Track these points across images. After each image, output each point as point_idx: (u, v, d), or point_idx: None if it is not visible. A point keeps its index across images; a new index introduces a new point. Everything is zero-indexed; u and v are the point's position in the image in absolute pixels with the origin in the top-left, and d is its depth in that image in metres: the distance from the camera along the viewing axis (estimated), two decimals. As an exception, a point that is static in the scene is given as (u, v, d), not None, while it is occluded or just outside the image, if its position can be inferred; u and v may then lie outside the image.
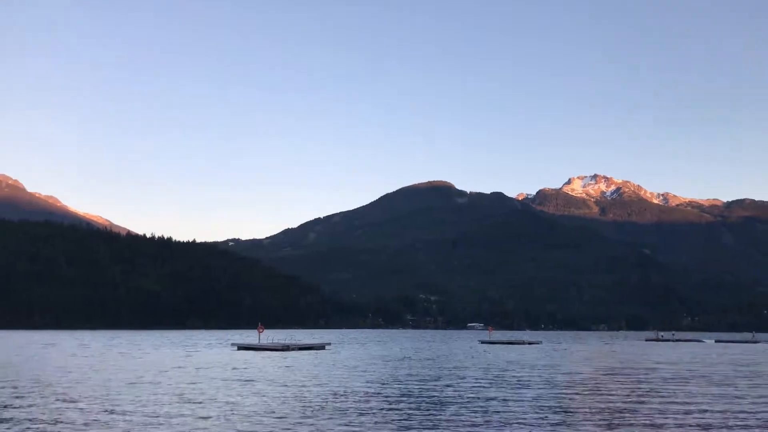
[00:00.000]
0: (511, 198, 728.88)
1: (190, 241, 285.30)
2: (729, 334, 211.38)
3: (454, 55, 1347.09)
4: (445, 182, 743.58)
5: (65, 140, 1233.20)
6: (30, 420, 20.81)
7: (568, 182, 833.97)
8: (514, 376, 39.56)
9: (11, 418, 21.04)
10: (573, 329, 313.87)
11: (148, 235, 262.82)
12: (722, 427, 20.82)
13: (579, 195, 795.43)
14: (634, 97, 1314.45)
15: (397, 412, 23.44)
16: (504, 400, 27.34)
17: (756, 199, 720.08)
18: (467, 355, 68.01)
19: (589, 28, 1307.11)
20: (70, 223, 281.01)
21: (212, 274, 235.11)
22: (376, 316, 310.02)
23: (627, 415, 23.24)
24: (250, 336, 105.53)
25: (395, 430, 19.73)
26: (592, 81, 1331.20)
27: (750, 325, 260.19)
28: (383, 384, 33.87)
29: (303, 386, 32.21)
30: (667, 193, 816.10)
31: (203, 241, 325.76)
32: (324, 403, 25.57)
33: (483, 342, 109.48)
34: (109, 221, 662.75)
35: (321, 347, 77.49)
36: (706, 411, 24.42)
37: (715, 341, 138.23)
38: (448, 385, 33.48)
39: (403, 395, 28.78)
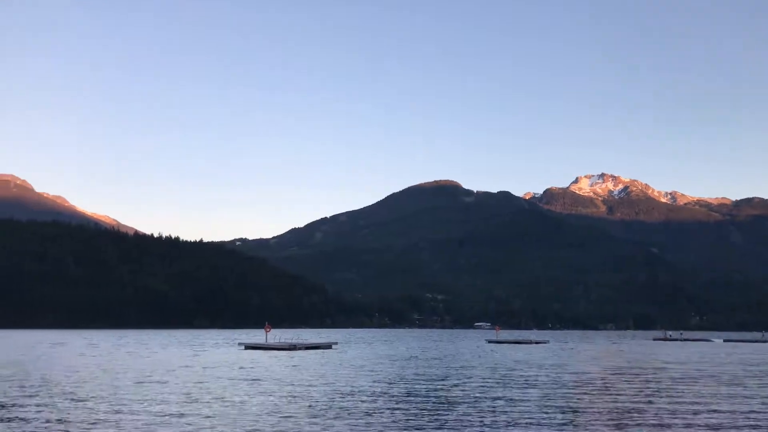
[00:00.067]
0: (518, 197, 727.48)
1: (198, 240, 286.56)
2: (738, 334, 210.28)
3: (461, 54, 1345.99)
4: (452, 181, 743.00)
5: (71, 140, 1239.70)
6: (38, 419, 20.87)
7: (576, 181, 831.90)
8: (521, 376, 39.43)
9: (20, 417, 21.11)
10: (580, 328, 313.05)
11: (156, 235, 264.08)
12: (731, 428, 20.67)
13: (586, 194, 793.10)
14: (641, 96, 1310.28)
15: (404, 411, 23.38)
16: (511, 399, 27.24)
17: (765, 197, 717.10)
18: (474, 354, 67.89)
19: (595, 27, 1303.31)
20: (77, 223, 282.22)
21: (219, 273, 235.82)
22: (383, 315, 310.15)
23: (635, 415, 23.10)
24: (257, 335, 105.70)
25: (403, 430, 19.67)
26: (600, 80, 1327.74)
27: (759, 324, 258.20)
28: (390, 383, 33.83)
29: (310, 385, 32.20)
30: (674, 191, 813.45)
31: (210, 240, 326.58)
32: (331, 403, 25.54)
33: (490, 341, 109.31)
34: (116, 221, 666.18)
35: (328, 346, 77.53)
36: (715, 411, 24.26)
37: (724, 341, 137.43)
38: (455, 385, 33.41)
39: (410, 395, 28.72)
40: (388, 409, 24.02)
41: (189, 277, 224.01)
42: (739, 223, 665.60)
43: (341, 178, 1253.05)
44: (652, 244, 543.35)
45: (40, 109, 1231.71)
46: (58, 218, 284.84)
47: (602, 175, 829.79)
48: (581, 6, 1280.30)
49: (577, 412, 23.82)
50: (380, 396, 28.07)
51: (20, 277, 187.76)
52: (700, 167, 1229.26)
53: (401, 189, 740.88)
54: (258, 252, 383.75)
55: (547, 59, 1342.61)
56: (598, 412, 23.65)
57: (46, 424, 19.96)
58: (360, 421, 21.16)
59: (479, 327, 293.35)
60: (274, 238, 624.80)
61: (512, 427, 20.24)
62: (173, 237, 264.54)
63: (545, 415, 22.66)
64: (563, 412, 23.50)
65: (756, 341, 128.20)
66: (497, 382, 34.93)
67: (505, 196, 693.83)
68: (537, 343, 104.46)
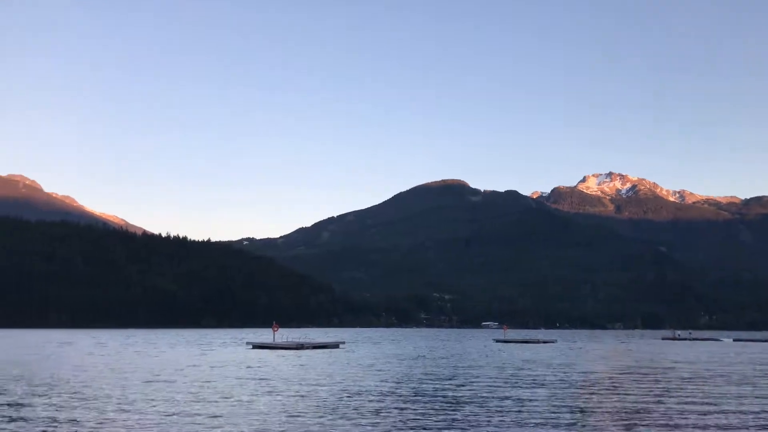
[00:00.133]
0: (526, 196, 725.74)
1: (205, 240, 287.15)
2: (748, 333, 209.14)
3: (468, 53, 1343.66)
4: (459, 181, 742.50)
5: (80, 141, 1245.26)
6: (46, 418, 20.94)
7: (583, 180, 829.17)
8: (529, 375, 39.31)
9: (28, 417, 21.18)
10: (588, 328, 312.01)
11: (164, 235, 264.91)
12: (742, 428, 20.50)
13: (594, 193, 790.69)
14: (649, 95, 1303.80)
15: (412, 411, 23.32)
16: (519, 399, 27.14)
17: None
18: (482, 353, 67.77)
19: (604, 26, 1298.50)
20: (86, 223, 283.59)
21: (227, 273, 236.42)
22: (390, 314, 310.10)
23: (644, 415, 22.96)
24: (264, 335, 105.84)
25: (411, 430, 19.61)
26: (608, 78, 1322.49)
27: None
28: (398, 383, 33.78)
29: (317, 385, 32.19)
30: (683, 190, 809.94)
31: (218, 240, 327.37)
32: (339, 402, 25.51)
33: (498, 341, 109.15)
34: (125, 221, 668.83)
35: (335, 346, 77.55)
36: (725, 411, 24.08)
37: (734, 340, 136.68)
38: (463, 384, 33.32)
39: (418, 394, 28.67)
40: (396, 408, 23.97)
41: (197, 276, 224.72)
42: (749, 221, 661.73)
43: (348, 177, 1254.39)
44: (661, 243, 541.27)
45: (42, 109, 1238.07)
46: (66, 218, 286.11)
47: (610, 174, 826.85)
48: (589, 5, 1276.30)
49: (585, 411, 23.69)
50: (388, 395, 28.02)
51: (29, 277, 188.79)
52: (708, 166, 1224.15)
53: (408, 188, 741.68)
54: (265, 251, 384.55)
55: (554, 58, 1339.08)
56: (607, 412, 23.52)
57: (55, 424, 20.01)
58: (368, 420, 21.11)
59: (487, 326, 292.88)
60: (281, 237, 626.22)
61: (520, 427, 20.14)
62: (181, 237, 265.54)
63: (554, 415, 22.54)
64: (572, 412, 23.38)
65: (766, 341, 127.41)
66: (505, 382, 34.83)
67: (512, 195, 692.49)
68: (545, 342, 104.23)
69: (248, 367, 44.80)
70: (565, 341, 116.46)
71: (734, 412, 23.73)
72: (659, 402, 26.65)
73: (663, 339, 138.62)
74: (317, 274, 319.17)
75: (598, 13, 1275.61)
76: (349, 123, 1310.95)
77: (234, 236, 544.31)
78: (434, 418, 21.61)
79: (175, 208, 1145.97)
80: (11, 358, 50.59)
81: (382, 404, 25.04)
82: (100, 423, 20.17)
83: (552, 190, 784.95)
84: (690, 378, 39.01)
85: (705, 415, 23.04)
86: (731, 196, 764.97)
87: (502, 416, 22.17)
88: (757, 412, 23.79)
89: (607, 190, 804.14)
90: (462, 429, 19.80)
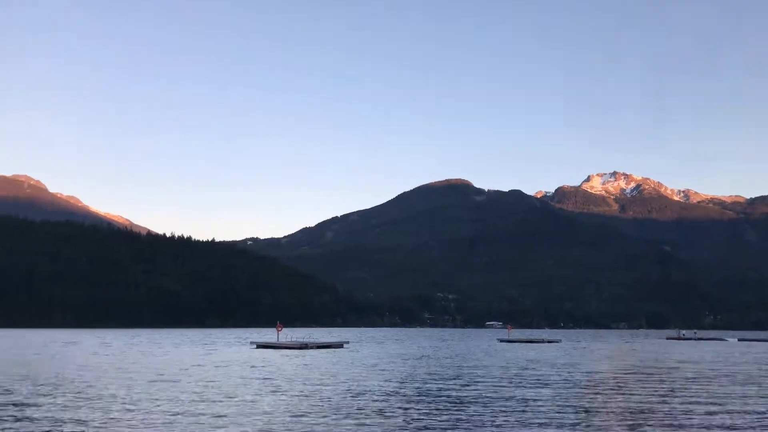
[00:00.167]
0: (530, 196, 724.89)
1: (210, 240, 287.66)
2: (753, 333, 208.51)
3: (472, 53, 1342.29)
4: (463, 180, 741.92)
5: (84, 141, 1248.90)
6: (51, 418, 20.98)
7: (588, 179, 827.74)
8: (533, 375, 39.25)
9: (33, 416, 21.24)
10: (592, 327, 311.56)
11: (168, 235, 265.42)
12: (747, 428, 20.43)
13: (598, 192, 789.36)
14: (653, 94, 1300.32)
15: (416, 411, 23.31)
16: (523, 399, 27.10)
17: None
18: (486, 353, 67.70)
19: (609, 25, 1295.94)
20: (91, 223, 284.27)
21: (231, 273, 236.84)
22: (394, 314, 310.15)
23: (649, 415, 22.90)
24: (268, 334, 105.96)
25: (415, 429, 19.60)
26: (612, 78, 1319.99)
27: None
28: (402, 382, 33.77)
29: (321, 384, 32.20)
30: (688, 189, 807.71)
31: (222, 240, 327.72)
32: (343, 402, 25.52)
33: (502, 340, 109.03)
34: (129, 221, 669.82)
35: (339, 345, 77.57)
36: (730, 411, 24.00)
37: (739, 340, 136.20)
38: (467, 384, 33.29)
39: (422, 394, 28.65)
40: (400, 408, 23.96)
41: (201, 276, 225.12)
42: (754, 221, 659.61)
43: (351, 177, 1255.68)
44: (665, 242, 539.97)
45: (45, 109, 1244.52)
46: (71, 218, 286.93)
47: (614, 174, 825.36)
48: (590, 4, 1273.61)
49: (590, 411, 23.65)
50: (392, 395, 28.01)
51: (34, 277, 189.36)
52: (713, 165, 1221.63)
53: (412, 188, 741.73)
54: (269, 251, 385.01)
55: (559, 57, 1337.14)
56: (612, 412, 23.47)
57: (60, 423, 20.06)
58: (372, 420, 21.11)
59: (491, 326, 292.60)
60: (285, 237, 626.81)
61: (525, 427, 20.11)
62: (185, 237, 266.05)
63: (558, 415, 22.50)
64: (576, 412, 23.34)
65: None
66: (509, 382, 34.78)
67: (516, 194, 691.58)
68: (549, 342, 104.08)
69: (252, 366, 44.84)
70: (569, 341, 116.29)
71: (739, 412, 23.65)
72: (664, 402, 26.58)
73: (668, 339, 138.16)
74: (321, 273, 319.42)
75: (604, 12, 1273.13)
76: (353, 123, 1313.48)
77: (238, 236, 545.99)
78: (438, 418, 21.60)
79: (179, 208, 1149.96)
80: (16, 358, 50.74)
81: (386, 404, 25.03)
82: (105, 422, 20.21)
83: (556, 190, 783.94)
84: (695, 378, 38.90)
85: (710, 415, 22.97)
86: (736, 196, 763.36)
87: (507, 416, 22.14)
88: (763, 412, 23.71)
89: (611, 189, 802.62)
90: (466, 429, 19.78)
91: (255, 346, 74.54)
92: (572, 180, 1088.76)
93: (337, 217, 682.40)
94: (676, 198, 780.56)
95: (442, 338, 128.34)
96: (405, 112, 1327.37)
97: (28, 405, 23.87)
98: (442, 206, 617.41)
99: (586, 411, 23.68)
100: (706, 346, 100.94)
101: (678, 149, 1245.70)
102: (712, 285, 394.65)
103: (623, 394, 29.64)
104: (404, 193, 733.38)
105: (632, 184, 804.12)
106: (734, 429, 20.24)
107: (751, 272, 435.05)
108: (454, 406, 24.53)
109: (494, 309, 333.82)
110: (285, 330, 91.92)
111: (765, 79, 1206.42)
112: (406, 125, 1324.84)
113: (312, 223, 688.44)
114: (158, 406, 23.85)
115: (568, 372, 42.38)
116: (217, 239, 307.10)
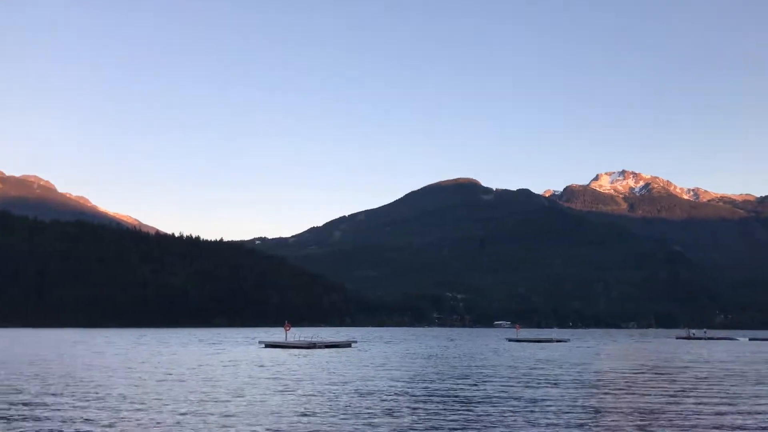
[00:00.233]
0: (538, 195, 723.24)
1: (218, 240, 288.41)
2: (764, 332, 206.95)
3: (480, 52, 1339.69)
4: (471, 179, 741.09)
5: (94, 141, 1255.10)
6: (59, 417, 21.03)
7: (596, 178, 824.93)
8: (542, 375, 39.06)
9: (41, 415, 21.30)
10: (601, 327, 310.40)
11: (177, 235, 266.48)
12: (758, 428, 20.21)
13: (607, 191, 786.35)
14: (662, 92, 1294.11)
15: (424, 410, 23.21)
16: (532, 398, 26.95)
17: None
18: (495, 353, 67.50)
19: (617, 23, 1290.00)
20: (100, 223, 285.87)
21: (239, 272, 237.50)
22: (402, 314, 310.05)
23: (659, 414, 22.72)
24: (276, 334, 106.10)
25: (423, 429, 19.50)
26: (620, 76, 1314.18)
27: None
28: (410, 382, 33.68)
29: (329, 384, 32.14)
30: (697, 188, 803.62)
31: (230, 240, 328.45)
32: (350, 401, 25.45)
33: (510, 340, 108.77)
34: (138, 221, 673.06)
35: (347, 345, 77.54)
36: (741, 412, 23.76)
37: (749, 339, 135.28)
38: (475, 384, 33.16)
39: (430, 394, 28.54)
40: (408, 407, 23.87)
41: (209, 276, 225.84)
42: (765, 219, 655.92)
43: (359, 177, 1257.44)
44: (674, 241, 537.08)
45: (52, 110, 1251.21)
46: (80, 218, 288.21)
47: (623, 172, 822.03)
48: (602, 2, 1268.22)
49: (599, 411, 23.47)
50: (400, 395, 27.92)
51: (43, 277, 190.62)
52: (723, 163, 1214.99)
53: (420, 187, 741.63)
54: (277, 251, 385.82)
55: (567, 56, 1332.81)
56: (622, 412, 23.28)
57: (68, 422, 20.09)
58: (380, 420, 21.03)
59: (499, 326, 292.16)
60: (293, 237, 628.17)
61: (534, 427, 19.98)
62: (194, 236, 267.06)
63: (567, 415, 22.35)
64: (585, 412, 23.17)
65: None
66: (518, 381, 34.62)
67: (524, 193, 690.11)
68: (558, 341, 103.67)
69: (260, 366, 44.86)
70: (578, 340, 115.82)
71: (750, 413, 23.41)
72: (674, 402, 26.36)
73: (677, 338, 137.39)
74: (329, 273, 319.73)
75: (610, 12, 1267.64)
76: (357, 123, 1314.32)
77: (246, 236, 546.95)
78: (447, 418, 21.49)
79: (187, 208, 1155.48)
80: (26, 357, 51.00)
81: (394, 404, 24.94)
82: (114, 422, 20.23)
83: (564, 189, 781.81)
84: (705, 377, 38.60)
85: (721, 415, 22.75)
86: (746, 194, 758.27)
87: (516, 416, 22.01)
88: (775, 412, 23.45)
89: (620, 188, 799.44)
90: (475, 429, 19.66)
91: (263, 346, 74.60)
92: (581, 179, 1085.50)
93: (344, 216, 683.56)
94: (685, 197, 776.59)
95: (451, 338, 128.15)
96: (413, 111, 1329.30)
97: (38, 404, 23.94)
98: (450, 205, 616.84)
99: (596, 411, 23.50)
100: (716, 345, 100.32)
101: (687, 147, 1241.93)
102: (723, 284, 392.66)
103: (633, 393, 29.42)
104: (412, 192, 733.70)
105: (641, 183, 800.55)
106: (745, 429, 20.03)
107: (762, 271, 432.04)
108: (463, 406, 24.41)
109: (503, 308, 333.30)
110: (293, 329, 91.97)
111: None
112: (414, 125, 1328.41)
113: (320, 223, 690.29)
114: (166, 405, 23.86)
115: (577, 371, 42.16)
116: (225, 239, 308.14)
